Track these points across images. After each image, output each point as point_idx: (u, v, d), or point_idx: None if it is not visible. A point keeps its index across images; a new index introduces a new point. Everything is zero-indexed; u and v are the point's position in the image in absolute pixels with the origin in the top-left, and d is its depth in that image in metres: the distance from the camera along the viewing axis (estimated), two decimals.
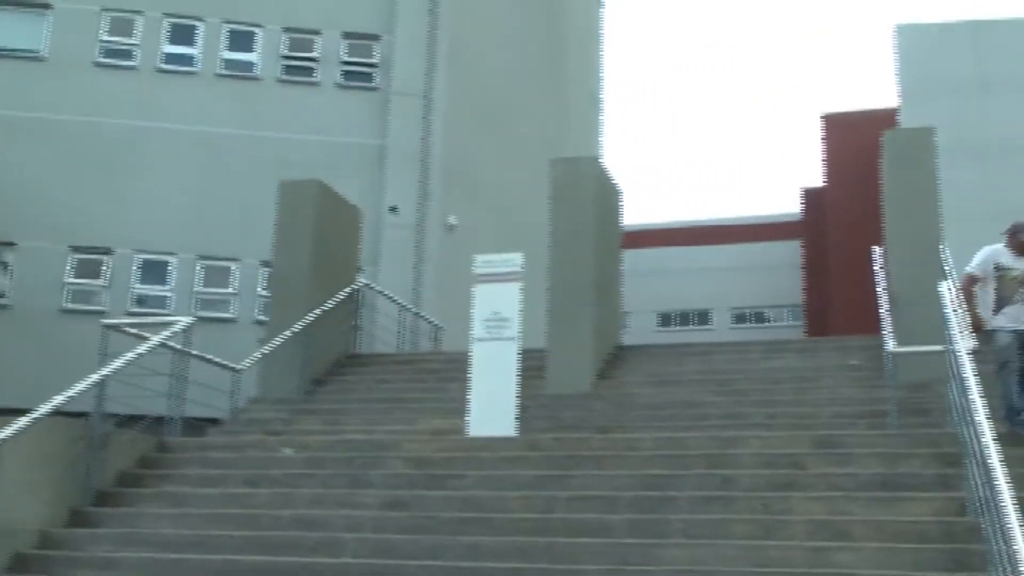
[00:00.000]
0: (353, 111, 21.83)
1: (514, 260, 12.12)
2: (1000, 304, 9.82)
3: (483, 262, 12.18)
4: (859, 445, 9.81)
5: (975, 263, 10.01)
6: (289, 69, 22.01)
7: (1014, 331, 9.69)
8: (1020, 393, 9.49)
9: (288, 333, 14.35)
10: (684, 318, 45.09)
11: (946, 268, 12.50)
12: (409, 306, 19.46)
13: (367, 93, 22.00)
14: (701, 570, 7.78)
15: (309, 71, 22.06)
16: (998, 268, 9.91)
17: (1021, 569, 5.15)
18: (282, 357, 14.29)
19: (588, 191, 14.33)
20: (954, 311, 9.19)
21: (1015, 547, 5.34)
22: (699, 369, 14.03)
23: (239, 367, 13.95)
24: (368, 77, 22.17)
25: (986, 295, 9.93)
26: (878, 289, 13.02)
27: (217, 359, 13.42)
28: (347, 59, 22.15)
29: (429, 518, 9.14)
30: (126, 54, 21.80)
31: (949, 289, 10.13)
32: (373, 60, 22.20)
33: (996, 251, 10.02)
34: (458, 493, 9.60)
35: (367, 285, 17.43)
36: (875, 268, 13.70)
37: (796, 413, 11.61)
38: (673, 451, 10.11)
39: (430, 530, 8.97)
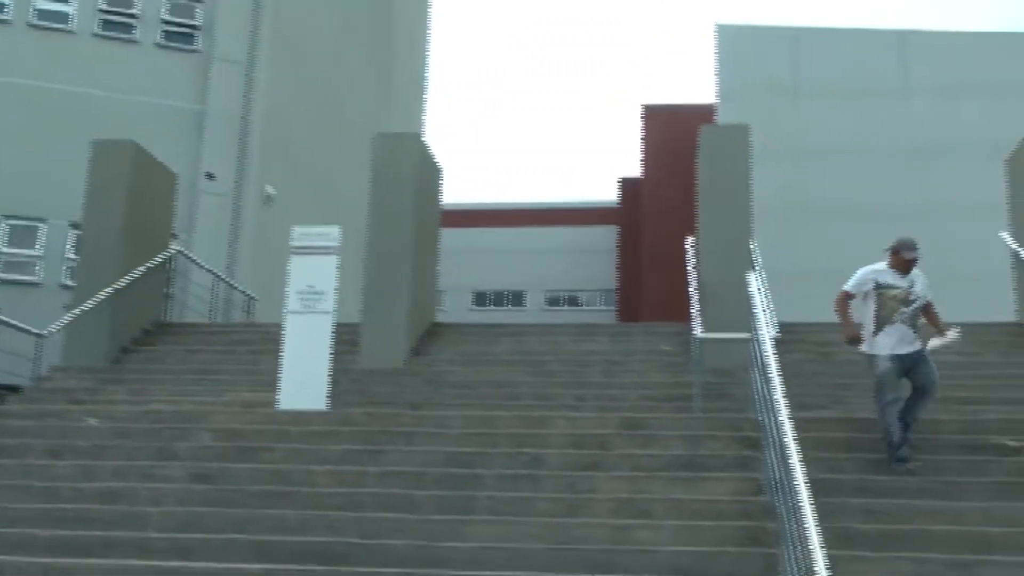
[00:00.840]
0: (173, 73, 21.16)
1: (331, 233, 11.99)
2: (879, 324, 9.22)
3: (300, 234, 12.01)
4: (664, 427, 10.08)
5: (851, 281, 9.44)
6: (107, 24, 21.13)
7: (893, 356, 9.10)
8: (899, 426, 8.92)
9: (96, 299, 13.86)
10: (499, 298, 45.51)
11: (754, 261, 12.91)
12: (223, 276, 19.05)
13: (188, 55, 21.35)
14: (506, 547, 7.87)
15: (128, 28, 21.24)
16: (878, 286, 9.28)
17: (811, 546, 5.38)
18: (89, 324, 13.80)
19: (409, 168, 14.26)
20: (761, 304, 9.46)
21: (805, 525, 5.59)
22: (512, 349, 14.16)
23: (43, 333, 13.43)
24: (190, 39, 21.50)
25: (865, 313, 9.33)
26: (689, 278, 13.39)
27: (20, 324, 12.86)
28: (168, 19, 21.44)
29: (236, 491, 8.99)
30: None
31: (756, 280, 10.45)
32: (195, 23, 21.55)
33: (876, 270, 9.39)
34: (267, 466, 9.47)
35: (181, 252, 16.98)
36: (687, 258, 14.08)
37: (605, 395, 11.84)
38: (483, 429, 10.20)
39: (237, 503, 8.82)
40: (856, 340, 9.24)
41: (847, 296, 9.41)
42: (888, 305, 9.23)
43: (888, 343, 9.13)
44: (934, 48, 28.68)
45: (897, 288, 9.28)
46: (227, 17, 21.66)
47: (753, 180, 13.83)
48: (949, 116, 27.87)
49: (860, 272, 9.44)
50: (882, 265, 9.41)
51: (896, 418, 8.90)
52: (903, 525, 7.96)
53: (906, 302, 9.26)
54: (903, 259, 9.31)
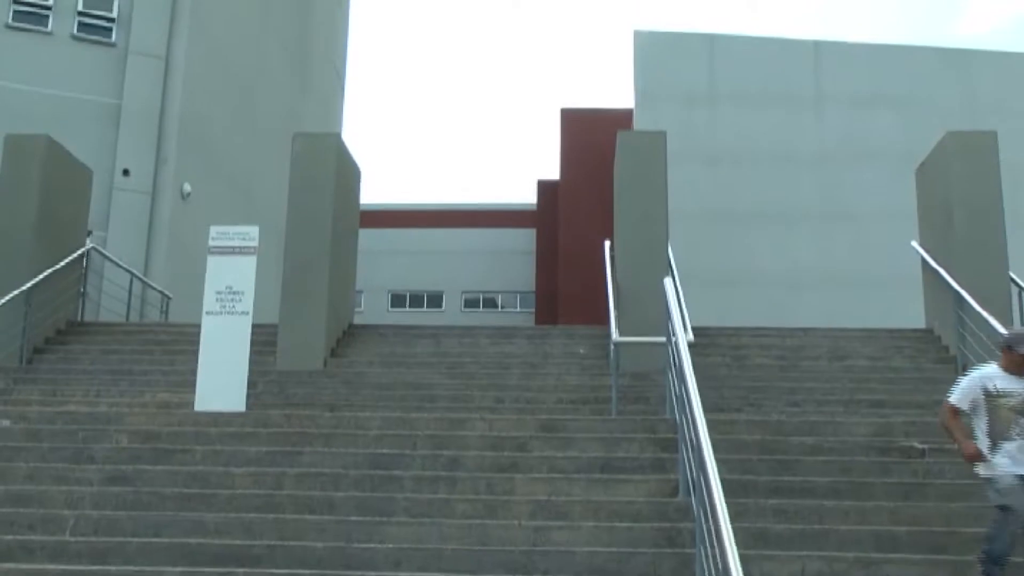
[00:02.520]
0: (88, 66, 20.82)
1: (250, 233, 11.93)
2: (994, 439, 7.56)
3: (218, 233, 11.93)
4: (581, 430, 10.20)
5: (957, 392, 7.78)
6: (19, 15, 20.73)
7: (1016, 475, 7.42)
8: (1010, 543, 7.35)
9: (8, 297, 13.62)
10: (417, 299, 45.40)
11: (670, 262, 13.09)
12: (139, 274, 18.82)
13: (104, 48, 21.03)
14: (423, 548, 7.92)
15: (42, 19, 20.86)
16: (989, 394, 7.66)
17: (725, 545, 5.51)
18: (0, 323, 13.56)
19: (328, 169, 14.24)
20: (676, 308, 9.58)
21: (720, 525, 5.72)
22: (430, 351, 14.21)
23: None
24: (106, 31, 21.17)
25: (976, 427, 7.69)
26: (607, 281, 13.55)
27: None
28: (84, 10, 21.08)
29: (153, 494, 8.92)
30: None
31: (671, 285, 10.60)
32: (111, 14, 21.23)
33: (985, 375, 7.76)
34: (184, 468, 9.41)
35: (96, 250, 16.75)
36: (604, 261, 14.23)
37: (523, 397, 11.94)
38: (401, 431, 10.24)
39: (153, 506, 8.76)
40: (978, 458, 7.55)
41: (954, 411, 7.74)
42: (1003, 417, 7.58)
43: (1008, 461, 7.46)
44: (847, 58, 29.29)
45: (1013, 395, 7.62)
46: (144, 9, 21.37)
47: (669, 185, 14.03)
48: (861, 125, 28.50)
49: (966, 379, 7.84)
50: (992, 367, 7.83)
51: (1009, 545, 7.34)
52: (814, 525, 8.18)
53: None
54: (1018, 357, 7.68)
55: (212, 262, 11.80)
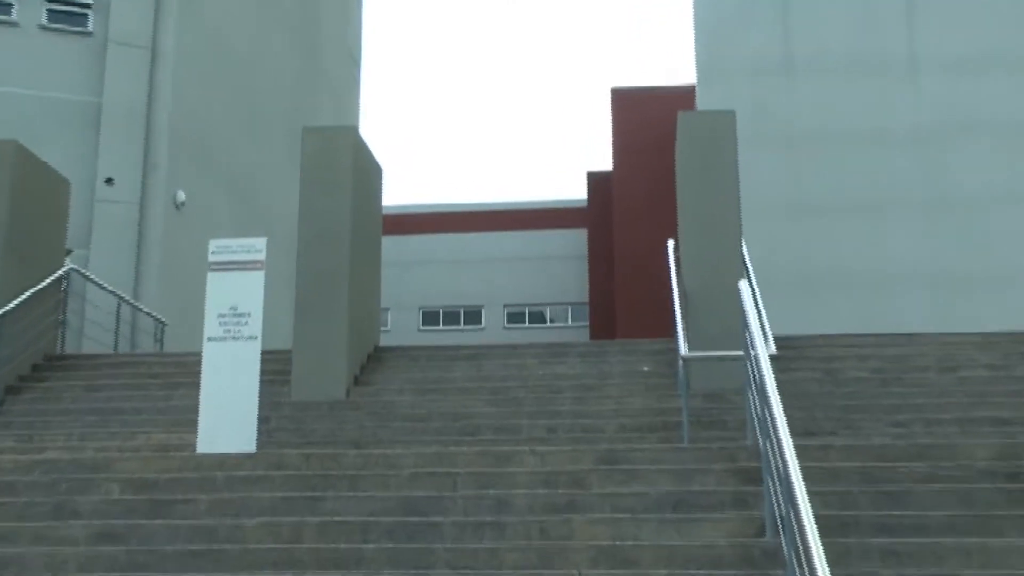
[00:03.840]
0: (62, 60, 20.99)
1: (256, 245, 11.94)
2: None
3: (219, 247, 11.95)
4: (648, 461, 10.10)
5: None
6: None
7: None
8: None
9: None
10: (451, 316, 45.49)
11: (746, 263, 13.00)
12: (128, 298, 18.93)
13: (80, 39, 21.21)
14: None
15: (5, 7, 21.03)
16: None
17: None
18: None
19: (345, 166, 14.28)
20: (755, 315, 9.50)
21: (816, 570, 5.60)
22: (469, 375, 14.21)
23: None
24: (81, 19, 21.34)
25: None
26: (671, 287, 13.46)
27: None
28: None
29: (150, 553, 8.90)
30: None
31: (748, 288, 10.52)
32: (87, 0, 21.39)
33: None
34: (186, 522, 9.39)
35: (76, 271, 16.85)
36: (668, 263, 14.15)
37: (579, 426, 11.89)
38: (438, 469, 10.18)
39: (152, 567, 8.74)
40: None
41: None
42: None
43: None
44: (947, 14, 28.97)
45: None
46: None
47: (740, 173, 13.95)
48: (967, 93, 28.13)
49: None
50: None
51: None
52: (931, 569, 8.02)
53: None
54: None
55: (213, 280, 11.83)
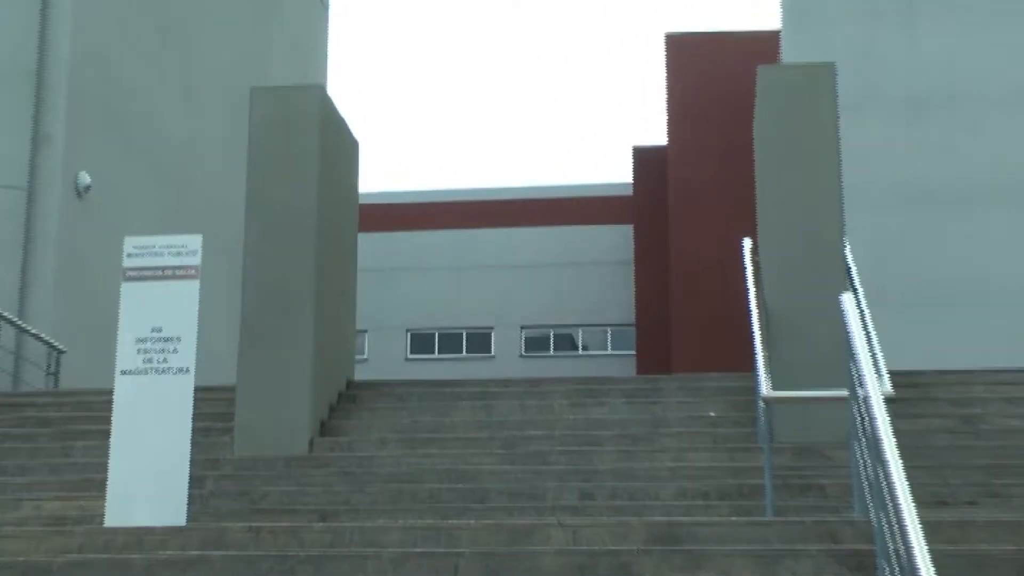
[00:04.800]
0: None
1: (188, 245, 11.90)
2: None
3: (138, 248, 11.92)
4: (718, 540, 10.02)
5: None
6: None
7: None
8: None
9: None
10: (451, 341, 45.52)
11: (850, 271, 12.92)
12: (10, 316, 18.89)
13: None
14: None
15: None
16: None
17: None
18: None
19: (308, 139, 14.26)
20: (863, 341, 9.42)
21: None
22: (474, 421, 14.19)
23: None
24: None
25: None
26: (748, 303, 13.38)
27: None
28: None
29: None
30: None
31: (854, 305, 10.44)
32: None
33: None
34: None
35: None
36: (744, 271, 14.06)
37: (623, 491, 11.82)
38: (435, 549, 10.11)
39: None
40: None
41: None
42: None
43: None
44: None
45: None
46: None
47: (843, 147, 13.89)
48: None
49: None
50: None
51: None
52: None
53: None
54: None
55: (130, 292, 11.78)
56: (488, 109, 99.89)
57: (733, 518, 10.76)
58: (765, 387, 11.55)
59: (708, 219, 34.64)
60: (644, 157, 42.30)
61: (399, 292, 43.37)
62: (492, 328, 45.31)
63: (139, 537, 10.62)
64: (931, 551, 6.70)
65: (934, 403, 13.84)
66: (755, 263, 13.95)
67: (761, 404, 11.45)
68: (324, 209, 14.28)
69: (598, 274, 44.23)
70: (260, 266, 13.88)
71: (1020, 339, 24.71)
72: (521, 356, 44.72)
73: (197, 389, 11.66)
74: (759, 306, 13.25)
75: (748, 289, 13.69)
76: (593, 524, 10.45)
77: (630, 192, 42.84)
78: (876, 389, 8.60)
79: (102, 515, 11.27)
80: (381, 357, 42.68)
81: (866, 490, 8.97)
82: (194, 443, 11.52)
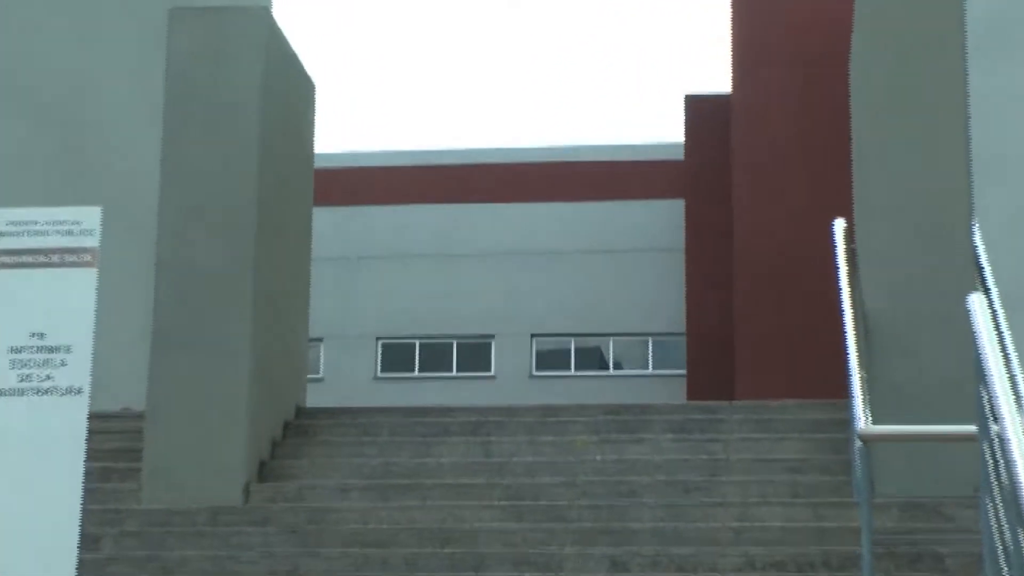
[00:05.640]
0: None
1: (83, 222, 11.88)
2: None
3: (13, 224, 11.90)
4: None
5: None
6: None
7: None
8: None
9: None
10: (437, 354, 45.57)
11: (980, 264, 12.83)
12: None
13: None
14: None
15: None
16: None
17: None
18: None
19: (248, 78, 14.24)
20: (999, 359, 9.32)
21: None
22: (468, 462, 14.16)
23: None
24: None
25: None
26: (841, 306, 13.33)
27: None
28: None
29: None
30: None
31: (984, 308, 10.35)
32: None
33: None
34: None
35: None
36: (836, 263, 14.02)
37: (669, 559, 11.85)
38: None
39: None
40: None
41: None
42: None
43: None
44: None
45: None
46: None
47: (972, 100, 13.81)
48: None
49: None
50: None
51: None
52: None
53: None
54: None
55: (1, 284, 11.75)
56: (496, 52, 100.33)
57: None
58: (863, 421, 11.49)
59: (785, 193, 34.61)
60: (700, 110, 42.36)
61: (368, 288, 43.41)
62: (492, 337, 45.39)
63: None
64: None
65: None
66: (850, 252, 13.92)
67: (857, 443, 11.40)
68: (268, 175, 14.24)
69: (636, 265, 44.28)
70: (180, 251, 13.85)
71: None
72: (531, 376, 44.80)
73: (93, 416, 11.63)
74: (855, 310, 13.21)
75: (840, 288, 13.65)
76: None
77: (680, 156, 42.90)
78: (1016, 424, 8.52)
79: None
80: (342, 376, 42.73)
81: (1001, 560, 8.89)
82: (87, 489, 11.48)
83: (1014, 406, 8.72)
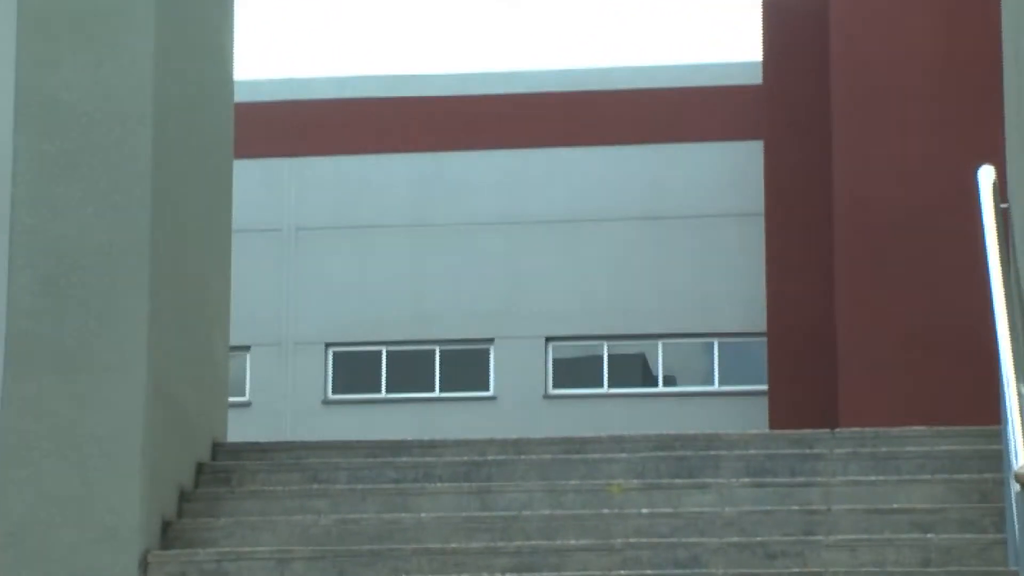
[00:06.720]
0: None
1: None
2: None
3: None
4: None
5: None
6: None
7: None
8: None
9: None
10: (411, 366, 45.58)
11: None
12: None
13: None
14: None
15: None
16: None
17: None
18: None
19: None
20: None
21: None
22: (459, 517, 14.13)
23: None
24: None
25: None
26: (989, 290, 13.30)
27: None
28: None
29: None
30: None
31: None
32: None
33: None
34: None
35: None
36: (982, 228, 13.96)
37: None
38: None
39: None
40: None
41: None
42: None
43: None
44: None
45: None
46: None
47: None
48: None
49: None
50: None
51: None
52: None
53: None
54: None
55: None
56: None
57: None
58: (1020, 458, 11.46)
59: (906, 132, 34.69)
60: (784, 20, 42.38)
61: (313, 273, 43.46)
62: (491, 342, 45.39)
63: None
64: None
65: None
66: (1001, 215, 13.88)
67: (1015, 487, 11.37)
68: (169, 113, 14.20)
69: (695, 237, 44.31)
70: (42, 225, 13.78)
71: None
72: (547, 396, 44.87)
73: None
74: (1008, 298, 13.17)
75: (988, 266, 13.60)
76: None
77: (757, 79, 42.93)
78: None
79: None
80: (278, 398, 42.84)
81: None
82: None
83: None
